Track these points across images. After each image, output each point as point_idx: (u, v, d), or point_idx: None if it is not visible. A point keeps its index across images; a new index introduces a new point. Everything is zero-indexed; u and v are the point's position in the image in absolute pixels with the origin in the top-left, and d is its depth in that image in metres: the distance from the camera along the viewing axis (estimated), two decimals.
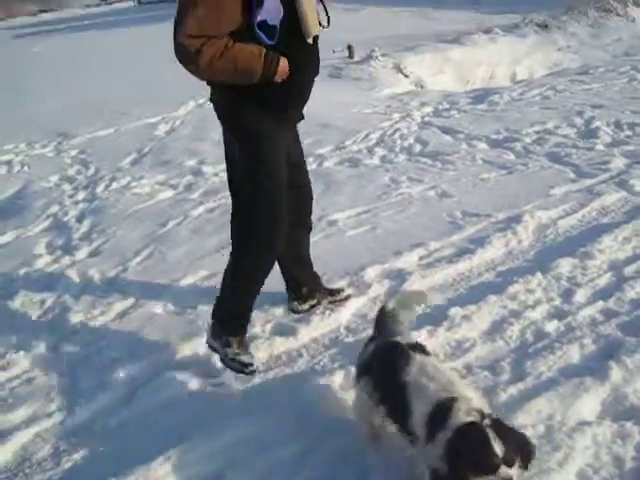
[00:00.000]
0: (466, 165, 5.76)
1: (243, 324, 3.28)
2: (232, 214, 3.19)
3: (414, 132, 6.98)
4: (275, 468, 2.53)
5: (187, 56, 2.69)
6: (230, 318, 3.24)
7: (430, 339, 3.20)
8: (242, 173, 3.07)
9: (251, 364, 3.17)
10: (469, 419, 2.01)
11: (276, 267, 3.35)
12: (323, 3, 2.99)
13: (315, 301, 3.66)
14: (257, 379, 3.13)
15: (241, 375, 3.15)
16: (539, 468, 2.30)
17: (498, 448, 1.90)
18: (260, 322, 3.55)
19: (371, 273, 3.95)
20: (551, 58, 12.01)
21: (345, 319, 3.55)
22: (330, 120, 7.74)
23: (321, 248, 4.30)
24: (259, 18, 2.68)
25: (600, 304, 3.41)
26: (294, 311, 3.65)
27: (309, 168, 5.81)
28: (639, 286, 3.55)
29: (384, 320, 2.71)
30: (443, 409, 2.07)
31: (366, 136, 7.01)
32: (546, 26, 13.04)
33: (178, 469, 2.54)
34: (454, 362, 3.01)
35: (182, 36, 2.65)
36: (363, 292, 3.76)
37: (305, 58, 2.91)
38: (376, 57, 11.00)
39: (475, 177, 5.43)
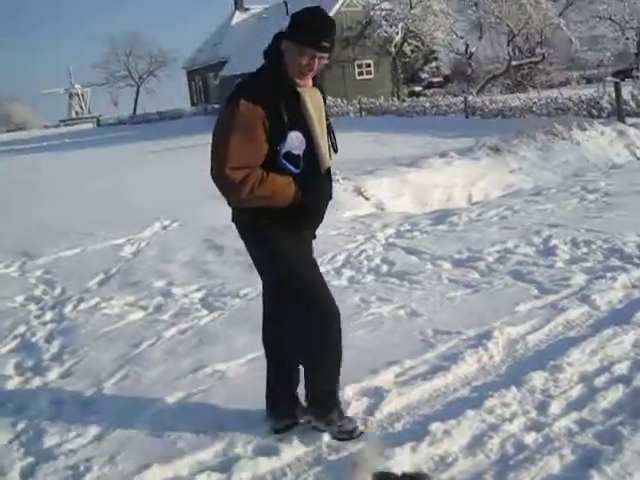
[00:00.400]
0: (433, 284, 5.94)
1: (336, 399, 3.61)
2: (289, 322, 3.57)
3: (379, 253, 7.19)
4: None
5: (232, 187, 3.11)
6: (324, 398, 3.56)
7: (413, 455, 3.25)
8: (276, 289, 3.52)
9: (355, 427, 3.53)
10: None
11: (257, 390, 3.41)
12: (331, 140, 3.47)
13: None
14: None
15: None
16: None
17: None
18: (242, 443, 3.56)
19: (349, 392, 3.99)
20: (504, 180, 12.55)
21: (327, 437, 3.57)
22: None
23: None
24: (284, 150, 3.15)
25: (575, 415, 3.52)
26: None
27: None
28: (610, 396, 3.68)
29: None
30: None
31: (333, 257, 7.19)
32: (498, 149, 13.71)
33: None
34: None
35: (226, 169, 3.06)
36: (343, 410, 3.81)
37: (319, 186, 3.33)
38: (337, 180, 11.37)
39: (442, 296, 5.60)
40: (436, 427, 3.47)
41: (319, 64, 3.23)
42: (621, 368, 4.05)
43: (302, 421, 3.70)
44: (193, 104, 58.47)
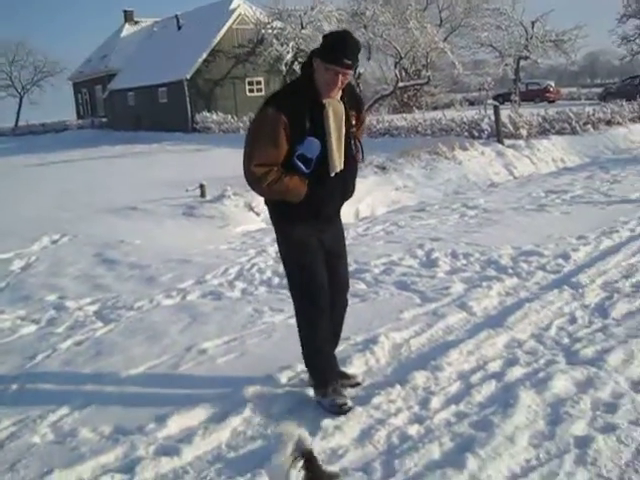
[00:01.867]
0: None
1: (328, 377, 4.07)
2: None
3: (271, 266, 7.41)
4: None
5: (254, 180, 3.74)
6: (319, 377, 4.09)
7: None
8: (287, 267, 4.13)
9: (345, 403, 3.94)
10: None
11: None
12: (354, 147, 3.97)
13: None
14: None
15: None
16: None
17: None
18: (143, 445, 3.69)
19: (246, 394, 4.20)
20: (390, 196, 13.04)
21: (225, 438, 3.75)
22: (188, 255, 8.08)
23: (193, 376, 4.57)
24: (299, 151, 3.71)
25: (453, 408, 3.87)
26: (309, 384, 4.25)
27: (173, 302, 6.17)
28: (484, 391, 4.07)
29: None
30: None
31: (225, 270, 7.35)
32: (384, 168, 14.23)
33: None
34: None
35: (252, 166, 3.70)
36: (238, 412, 3.99)
37: (327, 187, 3.83)
38: (228, 196, 11.55)
39: None
40: (327, 423, 3.73)
41: (344, 80, 3.74)
42: (494, 366, 4.46)
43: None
44: (79, 117, 56.96)
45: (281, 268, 7.15)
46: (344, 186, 4.00)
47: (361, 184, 13.48)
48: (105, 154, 26.11)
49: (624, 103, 22.81)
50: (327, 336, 4.12)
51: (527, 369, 4.40)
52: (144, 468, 3.47)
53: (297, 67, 38.08)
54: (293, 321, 5.47)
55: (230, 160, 20.38)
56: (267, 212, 4.19)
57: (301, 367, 4.56)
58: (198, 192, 12.62)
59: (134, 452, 3.64)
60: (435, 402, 3.97)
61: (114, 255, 8.36)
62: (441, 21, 39.94)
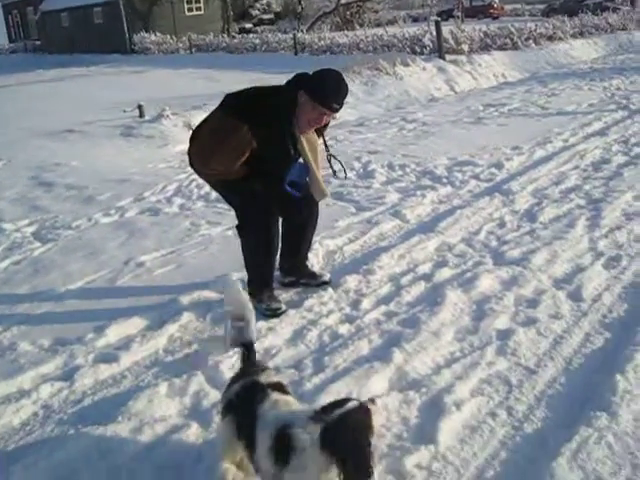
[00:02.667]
0: None
1: (266, 283, 4.19)
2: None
3: None
4: (122, 467, 2.77)
5: (198, 172, 4.11)
6: (256, 282, 4.17)
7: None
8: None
9: (279, 308, 4.06)
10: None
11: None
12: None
13: (294, 278, 4.42)
14: (86, 401, 3.33)
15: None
16: None
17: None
18: (82, 354, 3.75)
19: (183, 301, 4.28)
20: None
21: (162, 344, 3.84)
22: (127, 175, 8.01)
23: (131, 288, 4.61)
24: (290, 178, 3.81)
25: (383, 308, 4.02)
26: (280, 282, 4.41)
27: (111, 220, 6.15)
28: (413, 291, 4.23)
29: (246, 361, 2.82)
30: (281, 438, 2.21)
31: (163, 188, 7.33)
32: None
33: None
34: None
35: (207, 169, 3.89)
36: (175, 319, 4.07)
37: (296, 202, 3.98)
38: (167, 116, 11.36)
39: None
40: (260, 325, 3.83)
41: (327, 120, 3.82)
42: (424, 268, 4.62)
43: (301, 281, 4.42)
44: (11, 40, 54.70)
45: None
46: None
47: None
48: (40, 78, 25.23)
49: (566, 19, 22.91)
50: (273, 252, 4.17)
51: (455, 270, 4.56)
52: (83, 375, 3.54)
53: None
54: (230, 233, 5.60)
55: (169, 81, 20.18)
56: None
57: (237, 275, 4.65)
58: (136, 113, 12.38)
59: (73, 361, 3.70)
60: (366, 303, 4.12)
61: (51, 177, 8.22)
62: None
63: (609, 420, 2.88)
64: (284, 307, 4.10)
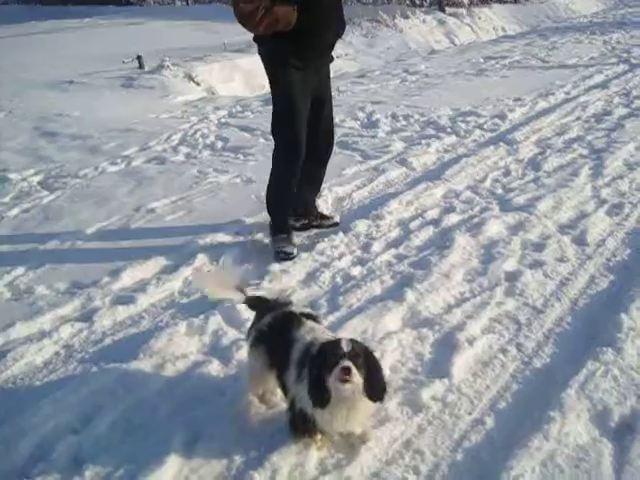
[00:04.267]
0: (266, 156, 6.21)
1: (284, 223, 4.32)
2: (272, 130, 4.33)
3: (214, 132, 7.44)
4: (143, 402, 2.87)
5: (244, 16, 3.77)
6: (275, 221, 4.32)
7: (255, 291, 3.67)
8: (273, 106, 4.19)
9: (292, 252, 4.15)
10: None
11: None
12: None
13: (306, 220, 4.53)
14: (107, 341, 3.43)
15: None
16: None
17: (344, 346, 2.23)
18: (99, 296, 3.83)
19: (195, 245, 4.35)
20: (332, 65, 12.93)
21: (177, 286, 3.92)
22: (130, 125, 8.01)
23: (143, 233, 4.69)
24: None
25: (393, 251, 4.12)
26: (293, 227, 4.45)
27: (118, 169, 6.20)
28: (422, 235, 4.32)
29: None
30: (308, 351, 2.40)
31: (168, 137, 7.35)
32: None
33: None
34: None
35: (240, 4, 3.74)
36: (189, 263, 4.15)
37: (318, 15, 3.87)
38: (167, 67, 11.32)
39: None
40: (274, 267, 3.93)
41: None
42: (432, 214, 4.70)
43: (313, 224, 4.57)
44: None
45: (224, 133, 7.31)
46: (338, 16, 4.12)
47: None
48: (34, 30, 24.86)
49: None
50: (294, 182, 4.29)
51: (462, 216, 4.65)
52: (102, 317, 3.62)
53: None
54: (238, 180, 5.67)
55: (167, 33, 19.94)
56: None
57: (248, 220, 4.73)
58: (136, 64, 12.31)
59: (91, 303, 3.78)
60: (376, 246, 4.21)
61: (54, 128, 8.20)
62: None
63: (615, 355, 2.99)
64: (296, 252, 4.18)
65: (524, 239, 4.24)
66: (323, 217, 4.58)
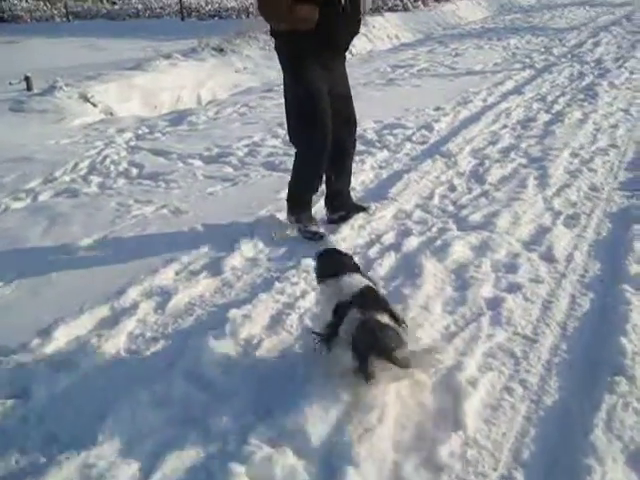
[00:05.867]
0: (189, 182, 5.84)
1: (308, 202, 4.53)
2: (291, 123, 4.49)
3: (125, 157, 6.85)
4: None
5: (269, 11, 4.04)
6: (298, 199, 4.51)
7: (217, 341, 3.22)
8: (291, 98, 4.38)
9: (318, 232, 4.42)
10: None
11: None
12: None
13: (343, 212, 4.66)
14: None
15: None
16: None
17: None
18: (31, 362, 3.27)
19: (133, 294, 3.82)
20: (231, 79, 12.51)
21: (122, 341, 3.40)
22: (29, 153, 7.28)
23: (70, 282, 4.12)
24: None
25: None
26: (328, 220, 4.69)
27: (24, 205, 5.56)
28: (385, 264, 4.01)
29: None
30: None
31: (75, 166, 6.69)
32: (222, 50, 13.57)
33: None
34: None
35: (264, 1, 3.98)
36: (130, 313, 3.63)
37: (337, 14, 4.03)
38: (60, 87, 10.56)
39: (202, 192, 5.54)
40: (234, 313, 3.47)
41: None
42: (388, 238, 4.38)
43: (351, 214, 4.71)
44: None
45: (137, 158, 6.74)
46: (354, 15, 4.20)
47: (199, 68, 12.98)
48: None
49: None
50: (322, 172, 4.49)
51: (421, 238, 4.34)
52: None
53: None
54: (166, 211, 5.17)
55: (50, 52, 18.95)
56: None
57: (187, 259, 4.25)
58: (24, 85, 11.49)
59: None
60: None
61: None
62: None
63: (629, 385, 2.76)
64: (322, 231, 4.43)
65: (493, 260, 3.99)
66: (358, 208, 4.74)
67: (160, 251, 4.41)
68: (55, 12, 28.31)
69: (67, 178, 6.34)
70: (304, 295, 3.66)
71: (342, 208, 4.68)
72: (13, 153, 7.34)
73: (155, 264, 4.19)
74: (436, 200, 4.99)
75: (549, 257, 4.03)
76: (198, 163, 6.39)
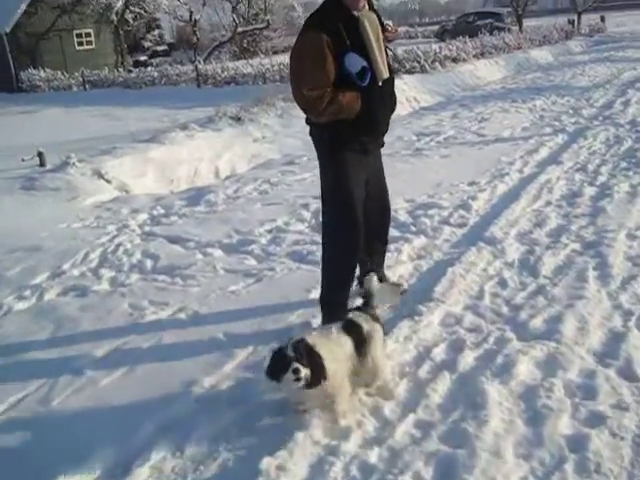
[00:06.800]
0: (208, 278, 5.31)
1: (344, 305, 4.05)
2: (323, 222, 4.28)
3: (139, 245, 6.35)
4: None
5: (309, 105, 3.78)
6: (333, 302, 4.10)
7: None
8: (327, 191, 4.12)
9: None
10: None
11: None
12: (387, 54, 4.02)
13: None
14: None
15: None
16: None
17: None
18: None
19: (149, 428, 3.28)
20: (250, 150, 12.13)
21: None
22: (37, 241, 6.82)
23: (73, 411, 3.57)
24: (354, 70, 3.75)
25: (412, 417, 3.13)
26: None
27: (28, 305, 5.07)
28: (440, 389, 3.38)
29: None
30: None
31: (85, 256, 6.20)
32: (239, 119, 13.24)
33: None
34: None
35: (305, 91, 3.70)
36: (145, 459, 3.07)
37: (377, 97, 3.87)
38: (73, 163, 10.17)
39: (223, 290, 4.99)
40: (267, 463, 2.90)
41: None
42: (439, 353, 3.80)
43: None
44: None
45: (151, 249, 6.23)
46: (391, 95, 4.09)
47: (217, 138, 12.60)
48: None
49: (467, 40, 22.93)
50: (355, 264, 4.20)
51: (478, 352, 3.76)
52: None
53: (129, 16, 35.73)
54: (183, 316, 4.63)
55: (66, 121, 18.80)
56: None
57: (209, 381, 3.70)
58: (36, 161, 11.15)
59: None
60: (388, 411, 3.24)
61: None
62: None
63: None
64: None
65: (566, 380, 3.40)
66: (393, 285, 4.51)
67: (178, 370, 3.86)
68: (72, 81, 28.37)
69: (76, 272, 5.84)
70: (348, 435, 3.07)
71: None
72: (22, 241, 6.88)
73: (172, 389, 3.64)
74: (487, 299, 4.42)
75: (629, 374, 3.45)
76: (218, 253, 5.87)
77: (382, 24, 4.07)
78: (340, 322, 3.38)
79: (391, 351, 3.77)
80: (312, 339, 3.13)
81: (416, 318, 4.18)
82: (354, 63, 3.76)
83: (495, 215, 6.12)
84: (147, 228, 7.01)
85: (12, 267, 6.11)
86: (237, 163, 11.88)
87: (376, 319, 3.51)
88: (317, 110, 3.76)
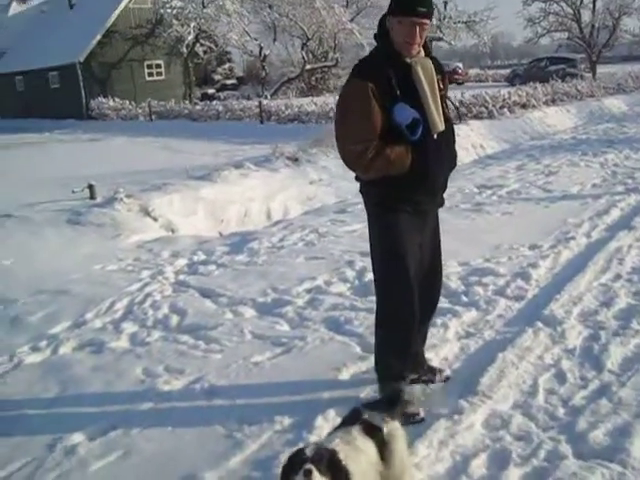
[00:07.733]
0: (234, 342, 4.84)
1: (404, 378, 3.75)
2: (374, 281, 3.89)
3: (168, 297, 5.95)
4: None
5: (353, 159, 3.46)
6: (390, 379, 3.68)
7: None
8: (376, 254, 3.80)
9: (417, 413, 3.63)
10: None
11: None
12: (445, 105, 3.68)
13: (416, 375, 4.00)
14: None
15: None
16: None
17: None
18: None
19: None
20: (305, 192, 11.75)
21: None
22: (67, 284, 6.49)
23: None
24: (404, 123, 3.42)
25: None
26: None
27: (40, 359, 4.71)
28: None
29: None
30: None
31: (111, 305, 5.82)
32: (296, 159, 12.89)
33: None
34: None
35: (349, 144, 3.43)
36: None
37: (432, 151, 3.50)
38: (120, 199, 9.92)
39: (246, 361, 4.51)
40: None
41: (422, 32, 3.45)
42: (478, 465, 3.21)
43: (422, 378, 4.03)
44: None
45: (180, 303, 5.79)
46: (449, 149, 3.70)
47: (272, 179, 12.23)
48: None
49: (538, 86, 22.27)
50: (413, 337, 3.80)
51: (525, 469, 3.17)
52: None
53: (199, 49, 36.24)
54: (197, 388, 4.18)
55: (126, 151, 18.87)
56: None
57: (211, 476, 3.21)
58: (87, 193, 10.99)
59: None
60: None
61: None
62: (347, 1, 38.54)
63: None
64: (422, 414, 3.64)
65: None
66: (432, 370, 4.08)
67: (178, 460, 3.39)
68: (139, 111, 28.75)
69: (98, 323, 5.47)
70: None
71: (414, 370, 3.99)
72: (53, 282, 6.59)
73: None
74: (541, 397, 3.81)
75: None
76: (249, 313, 5.41)
77: (441, 71, 3.72)
78: (359, 423, 2.82)
79: (421, 458, 3.22)
80: (339, 448, 2.62)
81: (455, 417, 3.59)
82: (404, 114, 3.46)
83: (557, 288, 5.48)
84: (182, 277, 6.62)
85: (35, 312, 5.80)
86: (290, 205, 11.51)
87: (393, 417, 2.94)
88: (362, 165, 3.47)
